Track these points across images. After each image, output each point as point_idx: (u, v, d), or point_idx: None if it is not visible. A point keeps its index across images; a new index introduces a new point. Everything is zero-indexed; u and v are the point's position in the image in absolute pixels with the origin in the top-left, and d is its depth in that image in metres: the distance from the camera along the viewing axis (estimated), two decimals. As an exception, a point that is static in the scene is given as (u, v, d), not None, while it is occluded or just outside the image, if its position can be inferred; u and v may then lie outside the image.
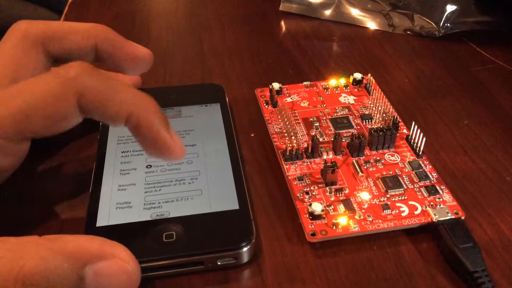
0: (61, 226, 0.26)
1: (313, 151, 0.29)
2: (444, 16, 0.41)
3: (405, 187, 0.27)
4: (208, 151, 0.29)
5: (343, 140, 0.30)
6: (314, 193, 0.27)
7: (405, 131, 0.31)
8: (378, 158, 0.29)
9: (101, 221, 0.24)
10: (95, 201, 0.25)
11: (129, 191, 0.26)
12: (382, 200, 0.26)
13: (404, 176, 0.27)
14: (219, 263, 0.23)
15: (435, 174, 0.27)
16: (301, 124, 0.31)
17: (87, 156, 0.29)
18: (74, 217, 0.26)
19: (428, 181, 0.27)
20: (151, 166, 0.27)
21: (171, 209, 0.25)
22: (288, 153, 0.28)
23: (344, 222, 0.25)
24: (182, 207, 0.25)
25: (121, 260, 0.19)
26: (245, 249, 0.23)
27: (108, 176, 0.27)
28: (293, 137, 0.30)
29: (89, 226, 0.24)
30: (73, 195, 0.27)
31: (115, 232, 0.24)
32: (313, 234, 0.24)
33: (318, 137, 0.30)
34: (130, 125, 0.23)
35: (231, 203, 0.25)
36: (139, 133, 0.23)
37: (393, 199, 0.26)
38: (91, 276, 0.19)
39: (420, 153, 0.29)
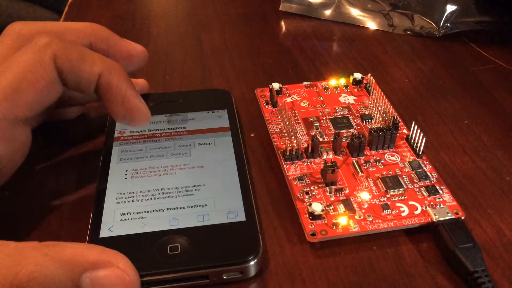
0: (61, 226, 0.26)
1: (313, 151, 0.29)
2: (444, 16, 0.41)
3: (405, 187, 0.27)
4: (215, 160, 0.28)
5: (343, 140, 0.30)
6: (314, 193, 0.27)
7: (405, 131, 0.31)
8: (378, 158, 0.29)
9: (104, 232, 0.24)
10: (99, 211, 0.25)
11: (133, 201, 0.25)
12: (382, 200, 0.26)
13: (404, 176, 0.27)
14: (224, 277, 0.23)
15: (435, 174, 0.27)
16: (301, 124, 0.31)
17: (92, 160, 0.29)
18: (76, 216, 0.26)
19: (428, 181, 0.27)
20: (157, 175, 0.27)
21: (176, 220, 0.24)
22: (288, 153, 0.28)
23: (344, 222, 0.25)
24: (187, 218, 0.24)
25: (119, 270, 0.19)
26: (251, 263, 0.22)
27: (112, 186, 0.26)
28: (293, 137, 0.30)
29: (92, 237, 0.24)
30: (75, 196, 0.27)
31: (119, 244, 0.23)
32: (313, 234, 0.24)
33: (318, 137, 0.30)
34: (101, 83, 0.24)
35: (237, 214, 0.25)
36: (109, 91, 0.25)
37: (393, 199, 0.26)
38: (87, 284, 0.18)
39: (420, 153, 0.29)
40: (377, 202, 0.26)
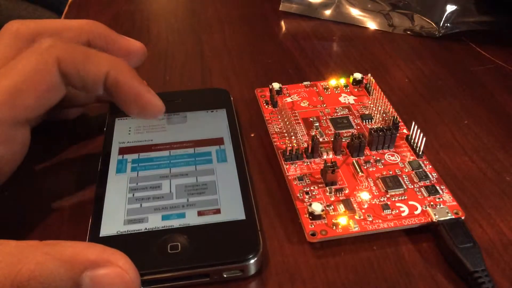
0: (61, 226, 0.26)
1: (313, 151, 0.29)
2: (444, 16, 0.41)
3: (405, 187, 0.27)
4: (214, 159, 0.28)
5: (343, 140, 0.30)
6: (314, 193, 0.27)
7: (405, 131, 0.31)
8: (378, 158, 0.29)
9: (104, 231, 0.24)
10: (99, 210, 0.25)
11: (133, 200, 0.25)
12: (382, 200, 0.26)
13: (404, 176, 0.27)
14: (225, 276, 0.23)
15: (435, 174, 0.27)
16: (301, 124, 0.31)
17: (92, 160, 0.29)
18: (76, 216, 0.26)
19: (428, 181, 0.27)
20: (156, 174, 0.27)
21: (176, 219, 0.24)
22: (288, 153, 0.28)
23: (344, 222, 0.25)
24: (187, 217, 0.24)
25: (119, 269, 0.19)
26: (251, 261, 0.22)
27: (113, 184, 0.26)
28: (293, 137, 0.30)
29: (93, 236, 0.24)
30: (75, 196, 0.27)
31: (119, 242, 0.23)
32: (313, 234, 0.24)
33: (318, 137, 0.30)
34: (109, 83, 0.24)
35: (237, 213, 0.25)
36: (119, 90, 0.24)
37: (393, 199, 0.26)
38: (88, 283, 0.18)
39: (420, 153, 0.29)
40: (377, 202, 0.26)
